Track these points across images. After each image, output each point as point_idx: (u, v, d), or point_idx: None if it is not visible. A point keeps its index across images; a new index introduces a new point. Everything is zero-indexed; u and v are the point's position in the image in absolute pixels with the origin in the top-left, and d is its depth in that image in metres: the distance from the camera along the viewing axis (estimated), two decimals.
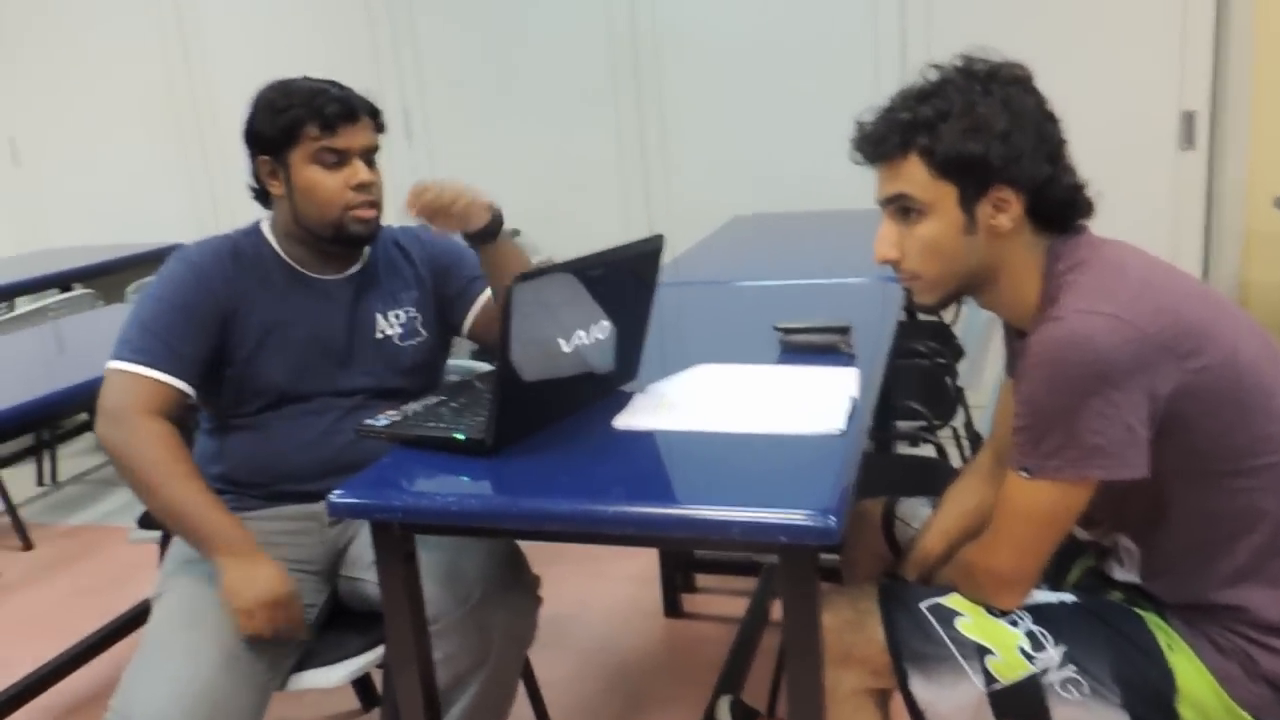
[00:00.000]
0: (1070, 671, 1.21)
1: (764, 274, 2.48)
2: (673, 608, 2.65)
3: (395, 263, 1.78)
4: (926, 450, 2.39)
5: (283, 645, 1.50)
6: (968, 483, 1.52)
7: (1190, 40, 3.34)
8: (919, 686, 1.25)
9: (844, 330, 1.67)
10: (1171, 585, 1.25)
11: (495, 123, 4.08)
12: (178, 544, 1.65)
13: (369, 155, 1.65)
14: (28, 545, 3.38)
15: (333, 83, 1.63)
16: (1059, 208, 1.24)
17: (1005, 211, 1.22)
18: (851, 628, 1.29)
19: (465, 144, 4.14)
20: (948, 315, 3.06)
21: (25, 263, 4.17)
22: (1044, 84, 1.25)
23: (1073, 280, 1.20)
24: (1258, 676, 1.19)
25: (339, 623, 1.64)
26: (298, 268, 1.68)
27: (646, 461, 1.31)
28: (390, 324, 1.73)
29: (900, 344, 2.73)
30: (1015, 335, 1.37)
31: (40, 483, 3.99)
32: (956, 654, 1.24)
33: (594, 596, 2.76)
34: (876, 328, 1.81)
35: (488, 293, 1.80)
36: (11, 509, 3.42)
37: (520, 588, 1.63)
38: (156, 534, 1.98)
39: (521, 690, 1.82)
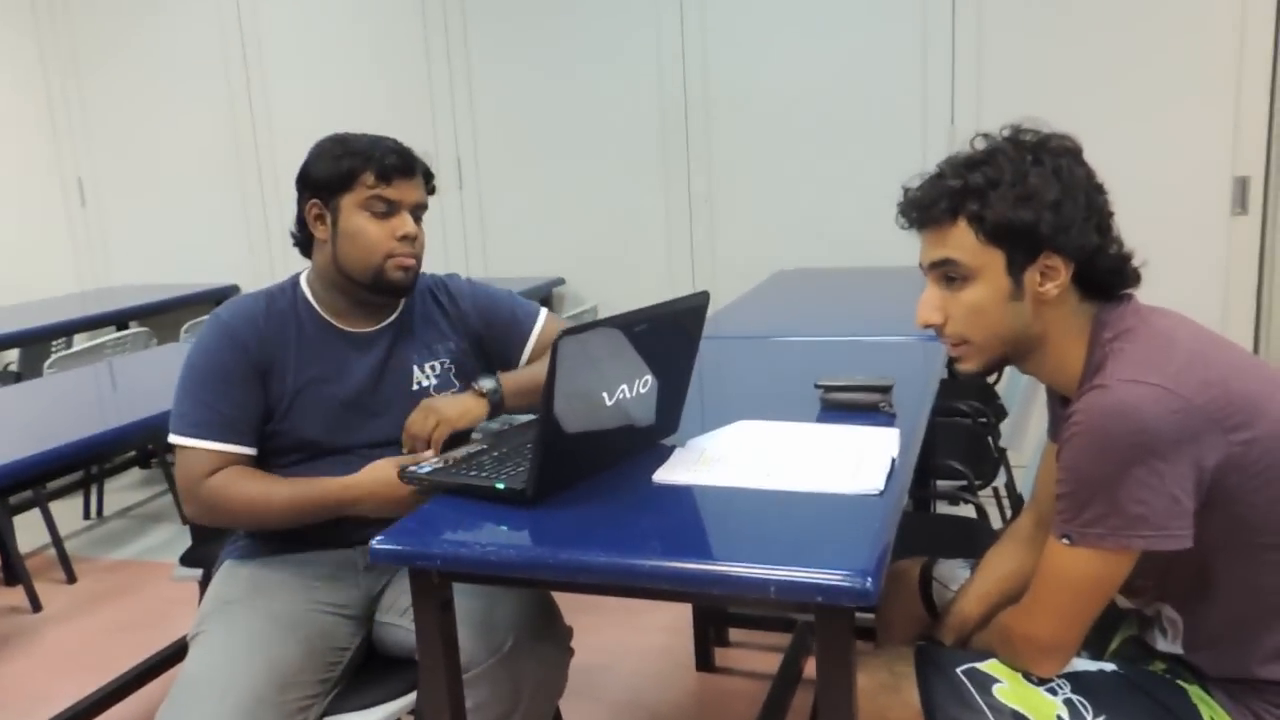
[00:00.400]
0: None
1: (806, 330, 2.49)
2: (705, 661, 2.63)
3: (430, 314, 1.81)
4: (967, 510, 2.36)
5: (315, 686, 1.51)
6: (1007, 547, 1.51)
7: (1244, 105, 3.34)
8: None
9: (886, 389, 1.67)
10: (1215, 658, 1.23)
11: (545, 173, 4.16)
12: (217, 583, 1.68)
13: (418, 212, 1.70)
14: (71, 578, 3.43)
15: (393, 139, 1.69)
16: (1107, 276, 1.25)
17: (1053, 280, 1.22)
18: (886, 690, 1.28)
19: (515, 193, 4.21)
20: (991, 375, 3.03)
21: (85, 300, 4.30)
22: (1096, 149, 1.26)
23: (1119, 349, 1.20)
24: None
25: (372, 667, 1.65)
26: (333, 322, 1.72)
27: (684, 516, 1.31)
28: (427, 375, 1.76)
29: (942, 403, 2.72)
30: (1059, 401, 1.36)
31: (86, 516, 4.07)
32: None
33: (626, 647, 2.74)
34: (918, 387, 1.80)
35: (539, 326, 1.85)
36: (57, 541, 3.48)
37: (553, 638, 1.63)
38: (198, 572, 2.02)
39: None
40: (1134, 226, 1.32)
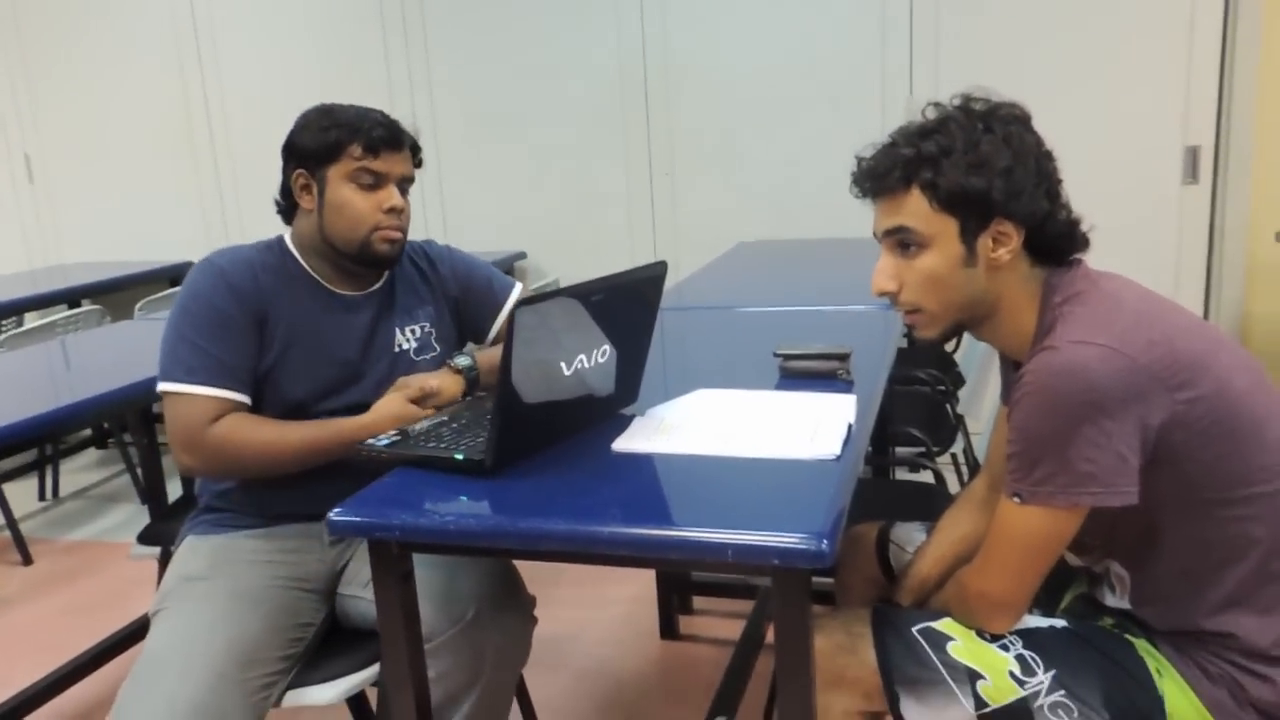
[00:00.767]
0: (1059, 696, 1.22)
1: (767, 300, 2.50)
2: (669, 629, 2.66)
3: (411, 279, 1.82)
4: (926, 476, 2.40)
5: (279, 663, 1.51)
6: (962, 509, 1.53)
7: (1195, 77, 3.39)
8: (910, 710, 1.26)
9: (843, 357, 1.69)
10: (1162, 612, 1.26)
11: (505, 147, 4.13)
12: (178, 560, 1.66)
13: (404, 185, 1.69)
14: (27, 560, 3.39)
15: (380, 111, 1.68)
16: (1057, 241, 1.27)
17: (1005, 245, 1.24)
18: (844, 651, 1.30)
19: (474, 167, 4.18)
20: (949, 343, 3.08)
21: (35, 278, 4.21)
22: (1052, 120, 1.28)
23: (1069, 311, 1.22)
24: (1246, 703, 1.20)
25: (336, 640, 1.65)
26: (322, 282, 1.71)
27: (644, 484, 1.32)
28: (408, 339, 1.77)
29: (902, 371, 2.75)
30: (1011, 366, 1.39)
31: (42, 498, 4.01)
32: (947, 678, 1.25)
33: (591, 617, 2.76)
34: (876, 354, 1.82)
35: (514, 298, 1.86)
36: (12, 523, 3.43)
37: (515, 607, 1.64)
38: (156, 550, 2.00)
39: (515, 709, 1.82)
40: (1088, 196, 1.33)
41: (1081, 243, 1.29)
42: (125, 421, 3.76)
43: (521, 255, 4.15)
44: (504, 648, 1.60)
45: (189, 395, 1.56)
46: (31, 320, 3.71)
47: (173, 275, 4.28)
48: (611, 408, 1.56)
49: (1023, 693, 1.23)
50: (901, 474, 2.91)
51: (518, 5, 3.98)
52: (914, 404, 2.70)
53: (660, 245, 4.03)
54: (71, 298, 4.00)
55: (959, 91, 1.29)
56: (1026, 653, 1.25)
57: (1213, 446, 1.16)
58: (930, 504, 2.06)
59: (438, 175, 4.19)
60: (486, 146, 4.15)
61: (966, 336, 1.51)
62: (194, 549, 1.67)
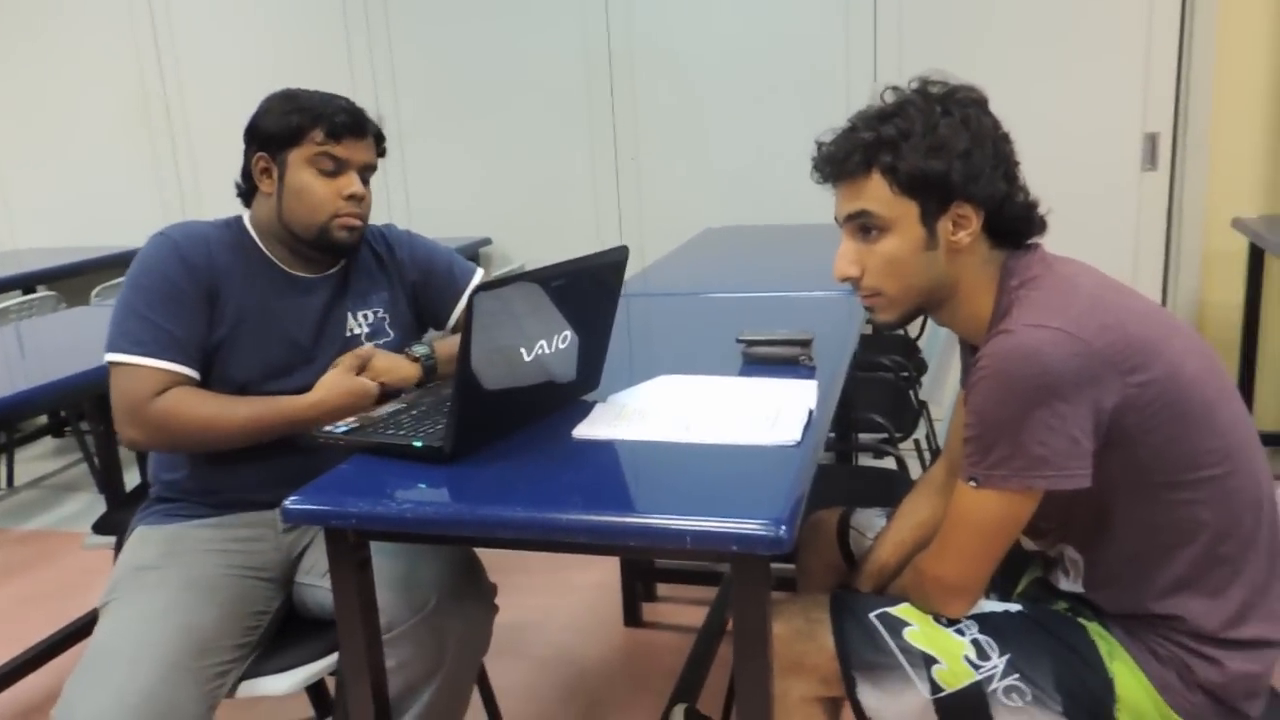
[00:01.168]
0: (1013, 679, 1.23)
1: (732, 286, 2.50)
2: (632, 617, 2.66)
3: (367, 263, 1.80)
4: (888, 462, 2.41)
5: (233, 651, 1.49)
6: (921, 494, 1.54)
7: (1154, 64, 3.43)
8: (867, 695, 1.27)
9: (805, 343, 1.69)
10: (1113, 595, 1.28)
11: (469, 132, 4.09)
12: (129, 550, 1.63)
13: (366, 173, 1.67)
14: None
15: (345, 98, 1.66)
16: (1015, 224, 1.28)
17: (965, 228, 1.24)
18: (802, 636, 1.30)
19: (438, 153, 4.14)
20: (912, 329, 3.10)
21: None
22: (1012, 106, 1.28)
23: (1024, 295, 1.23)
24: (1194, 685, 1.22)
25: (292, 629, 1.63)
26: (277, 263, 1.69)
27: (604, 471, 1.32)
28: (360, 323, 1.75)
29: (865, 357, 2.77)
30: (970, 350, 1.39)
31: None
32: (904, 663, 1.26)
33: (555, 605, 2.76)
34: (839, 340, 1.83)
35: (474, 285, 1.83)
36: None
37: (476, 596, 1.63)
38: (111, 540, 1.97)
39: (476, 698, 1.82)
40: (1049, 182, 1.34)
41: (1039, 225, 1.30)
42: (82, 409, 3.70)
43: (487, 241, 4.12)
44: (465, 636, 1.59)
45: (135, 367, 1.54)
46: None
47: (129, 260, 4.18)
48: (573, 394, 1.56)
49: (977, 677, 1.24)
50: (864, 460, 2.93)
51: None
52: (877, 390, 2.72)
53: (626, 231, 4.01)
54: (26, 283, 3.92)
55: (917, 75, 1.29)
56: (982, 637, 1.26)
57: (1163, 430, 1.18)
58: (892, 490, 2.07)
59: (401, 160, 4.15)
60: (451, 131, 4.11)
61: (930, 323, 1.51)
62: (145, 539, 1.64)
